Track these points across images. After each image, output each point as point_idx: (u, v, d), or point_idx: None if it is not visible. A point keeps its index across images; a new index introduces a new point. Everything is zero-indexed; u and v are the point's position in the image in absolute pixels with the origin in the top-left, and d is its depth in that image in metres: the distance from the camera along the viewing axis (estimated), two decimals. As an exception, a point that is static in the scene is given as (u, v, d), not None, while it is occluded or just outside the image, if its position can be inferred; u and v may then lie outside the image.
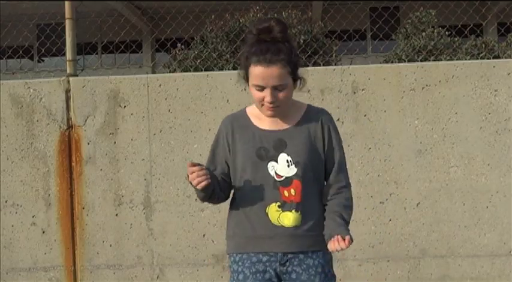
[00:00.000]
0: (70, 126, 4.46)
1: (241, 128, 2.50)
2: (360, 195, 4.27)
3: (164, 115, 4.41)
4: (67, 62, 4.65)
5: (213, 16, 8.49)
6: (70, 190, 4.44)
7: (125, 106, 4.44)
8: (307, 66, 5.83)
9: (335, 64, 7.80)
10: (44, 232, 4.45)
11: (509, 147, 4.29)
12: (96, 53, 17.23)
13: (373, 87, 4.34)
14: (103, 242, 4.43)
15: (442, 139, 4.31)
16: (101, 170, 4.43)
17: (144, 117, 4.42)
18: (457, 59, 7.51)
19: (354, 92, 4.34)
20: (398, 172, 4.32)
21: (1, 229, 4.46)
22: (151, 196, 4.41)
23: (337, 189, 2.51)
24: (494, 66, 4.33)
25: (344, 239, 2.31)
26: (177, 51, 8.06)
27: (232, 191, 2.56)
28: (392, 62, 7.92)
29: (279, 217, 2.42)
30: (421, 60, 7.35)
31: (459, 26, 7.08)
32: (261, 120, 2.50)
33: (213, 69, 7.03)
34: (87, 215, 4.43)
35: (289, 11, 8.50)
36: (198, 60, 7.30)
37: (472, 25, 6.29)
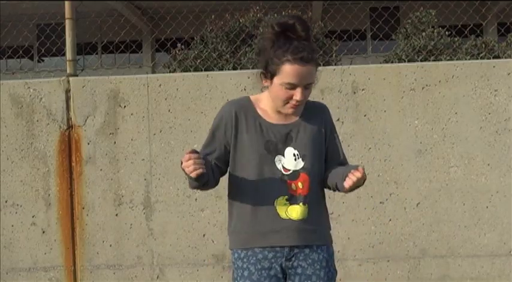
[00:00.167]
0: (70, 126, 4.46)
1: (248, 118, 2.48)
2: (360, 195, 4.27)
3: (164, 115, 4.41)
4: (67, 62, 4.65)
5: (213, 16, 8.49)
6: (70, 190, 4.44)
7: (125, 106, 4.44)
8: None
9: (335, 64, 7.80)
10: (44, 232, 4.45)
11: (509, 147, 4.29)
12: (96, 53, 17.23)
13: (373, 87, 4.34)
14: (103, 242, 4.43)
15: (442, 139, 4.31)
16: (101, 170, 4.43)
17: (144, 117, 4.42)
18: (457, 59, 7.51)
19: (354, 92, 4.34)
20: (398, 172, 4.32)
21: (1, 229, 4.46)
22: (151, 196, 4.41)
23: (343, 164, 2.55)
24: (494, 66, 4.33)
25: (357, 170, 2.33)
26: (177, 51, 8.06)
27: (233, 184, 2.51)
28: (392, 62, 7.92)
29: (286, 210, 2.42)
30: (421, 60, 7.35)
31: (459, 26, 7.08)
32: (268, 113, 2.49)
33: (213, 69, 7.03)
34: (87, 215, 4.43)
35: (289, 11, 8.50)
36: (198, 60, 7.30)
37: (472, 25, 6.29)
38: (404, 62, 7.61)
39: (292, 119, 2.49)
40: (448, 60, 7.46)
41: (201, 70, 6.69)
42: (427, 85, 4.33)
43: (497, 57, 7.63)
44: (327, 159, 2.53)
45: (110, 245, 4.42)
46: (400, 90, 4.34)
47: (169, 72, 8.01)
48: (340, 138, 2.63)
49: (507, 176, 4.28)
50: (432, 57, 7.35)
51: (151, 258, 4.40)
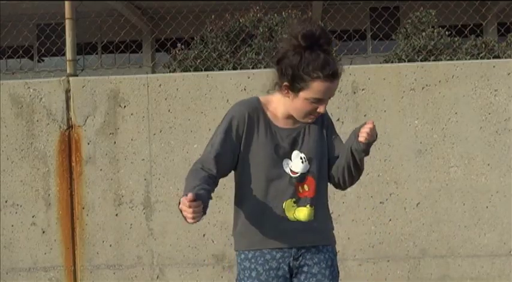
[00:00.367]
0: (70, 126, 4.46)
1: (259, 121, 2.49)
2: (360, 195, 4.27)
3: (164, 115, 4.42)
4: (67, 62, 4.65)
5: (213, 16, 8.49)
6: (70, 190, 4.44)
7: (125, 106, 4.44)
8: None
9: (335, 64, 7.78)
10: (44, 232, 4.45)
11: (509, 147, 4.29)
12: (96, 53, 17.23)
13: (373, 87, 4.35)
14: (103, 242, 4.43)
15: (442, 139, 4.31)
16: (101, 170, 4.43)
17: (144, 117, 4.42)
18: (457, 59, 7.51)
19: (354, 92, 4.34)
20: (398, 172, 4.32)
21: (1, 229, 4.46)
22: (151, 196, 4.41)
23: None
24: (494, 66, 4.33)
25: (365, 124, 2.38)
26: (177, 51, 8.06)
27: (241, 186, 2.52)
28: (392, 62, 7.92)
29: (294, 212, 2.46)
30: (421, 60, 7.35)
31: (459, 26, 7.08)
32: (277, 117, 2.51)
33: (213, 69, 7.03)
34: (87, 215, 4.43)
35: (289, 11, 8.50)
36: (198, 60, 7.30)
37: (472, 25, 6.29)
38: (404, 62, 7.61)
39: (298, 123, 2.51)
40: (448, 60, 7.46)
41: (201, 70, 6.69)
42: (427, 85, 4.33)
43: (497, 57, 7.63)
44: (331, 156, 2.55)
45: (110, 245, 4.42)
46: (400, 90, 4.34)
47: (169, 72, 8.01)
48: (339, 137, 2.65)
49: (507, 176, 4.28)
50: (432, 57, 7.35)
51: (151, 258, 4.40)
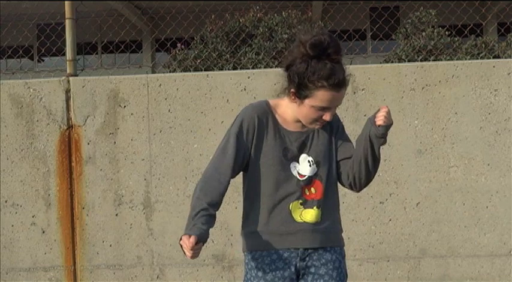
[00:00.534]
0: (70, 126, 4.46)
1: (269, 124, 2.52)
2: (360, 195, 4.27)
3: (164, 115, 4.41)
4: (67, 62, 4.65)
5: (213, 16, 8.48)
6: (70, 190, 4.44)
7: (125, 106, 4.44)
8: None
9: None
10: (44, 232, 4.45)
11: (509, 147, 4.29)
12: (96, 53, 17.22)
13: (373, 87, 4.34)
14: (103, 242, 4.43)
15: (442, 139, 4.31)
16: (101, 170, 4.43)
17: (144, 117, 4.42)
18: (457, 59, 7.50)
19: (354, 92, 4.34)
20: (398, 172, 4.32)
21: (1, 229, 4.46)
22: (151, 196, 4.41)
23: None
24: (494, 66, 4.33)
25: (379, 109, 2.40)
26: (177, 51, 8.06)
27: (250, 187, 2.54)
28: (392, 62, 7.91)
29: (301, 214, 2.48)
30: (421, 60, 7.35)
31: (459, 26, 7.07)
32: (286, 120, 2.53)
33: (213, 69, 7.03)
34: (87, 215, 4.43)
35: (289, 11, 8.50)
36: (198, 60, 7.30)
37: (472, 25, 6.28)
38: (404, 62, 7.61)
39: (306, 126, 2.53)
40: (448, 60, 7.45)
41: (201, 70, 6.69)
42: (427, 85, 4.33)
43: (497, 57, 7.63)
44: (340, 159, 2.55)
45: (110, 245, 4.42)
46: (400, 90, 4.34)
47: (169, 72, 8.00)
48: (350, 140, 2.64)
49: (507, 176, 4.28)
50: (432, 57, 7.35)
51: (151, 258, 4.40)
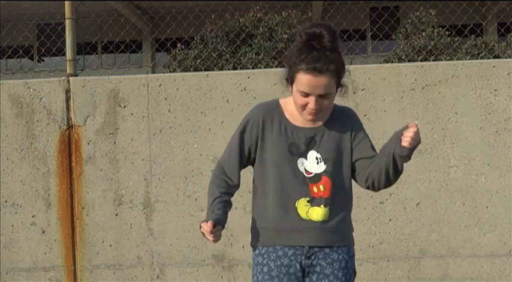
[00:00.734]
0: (70, 126, 4.46)
1: (274, 121, 2.53)
2: (360, 195, 4.27)
3: (164, 115, 4.41)
4: (67, 62, 4.65)
5: (213, 16, 8.48)
6: (70, 190, 4.44)
7: (125, 106, 4.44)
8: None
9: (335, 64, 7.76)
10: (44, 232, 4.45)
11: (509, 147, 4.29)
12: (96, 53, 17.22)
13: (373, 87, 4.34)
14: (103, 242, 4.43)
15: (442, 139, 4.31)
16: (101, 170, 4.43)
17: (144, 117, 4.42)
18: (457, 59, 7.50)
19: (354, 92, 4.34)
20: (398, 172, 4.31)
21: (1, 229, 4.46)
22: (151, 196, 4.41)
23: None
24: (494, 66, 4.33)
25: (408, 127, 2.34)
26: (177, 51, 8.06)
27: (257, 184, 2.57)
28: (392, 62, 7.91)
29: (307, 211, 2.47)
30: (421, 60, 7.35)
31: (459, 26, 7.07)
32: (294, 116, 2.53)
33: (213, 69, 7.03)
34: (87, 215, 4.43)
35: (289, 11, 8.50)
36: (198, 60, 7.30)
37: (472, 25, 6.28)
38: (404, 62, 7.61)
39: (318, 122, 2.52)
40: (448, 60, 7.45)
41: (201, 70, 6.69)
42: (427, 85, 4.33)
43: (497, 57, 7.62)
44: (357, 159, 2.54)
45: (110, 245, 4.42)
46: (400, 90, 4.34)
47: (169, 72, 8.00)
48: (368, 139, 2.61)
49: (507, 176, 4.28)
50: (432, 57, 7.35)
51: (151, 258, 4.40)
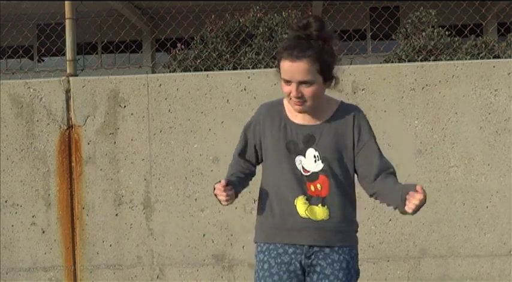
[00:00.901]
0: (70, 126, 4.46)
1: (274, 119, 2.55)
2: (360, 195, 4.24)
3: (164, 115, 4.41)
4: (67, 62, 4.65)
5: (213, 16, 8.48)
6: (70, 190, 4.44)
7: (125, 106, 4.44)
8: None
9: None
10: (44, 232, 4.45)
11: (509, 147, 4.29)
12: (96, 53, 17.22)
13: (373, 87, 4.34)
14: (103, 242, 4.43)
15: (442, 139, 4.31)
16: (101, 170, 4.43)
17: (144, 117, 4.42)
18: (457, 59, 7.50)
19: (354, 92, 4.34)
20: (399, 172, 4.29)
21: (1, 229, 4.46)
22: (151, 196, 4.41)
23: (387, 173, 2.54)
24: (494, 66, 4.33)
25: (416, 191, 2.33)
26: (177, 51, 8.06)
27: (262, 181, 2.60)
28: (392, 62, 7.91)
29: (306, 210, 2.47)
30: (421, 60, 7.35)
31: (459, 26, 7.07)
32: (296, 114, 2.53)
33: (213, 69, 7.03)
34: (87, 215, 4.43)
35: (289, 11, 8.50)
36: (198, 60, 7.30)
37: (472, 25, 6.28)
38: (404, 62, 7.61)
39: (319, 120, 2.51)
40: (448, 60, 7.45)
41: (201, 70, 6.69)
42: (427, 85, 4.33)
43: (497, 57, 7.62)
44: (362, 165, 2.52)
45: (110, 245, 4.43)
46: (400, 90, 4.34)
47: (169, 72, 8.00)
48: (373, 141, 2.58)
49: (507, 176, 4.28)
50: (432, 57, 7.35)
51: (151, 258, 4.40)
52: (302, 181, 2.46)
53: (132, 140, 4.42)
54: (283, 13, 8.43)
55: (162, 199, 4.40)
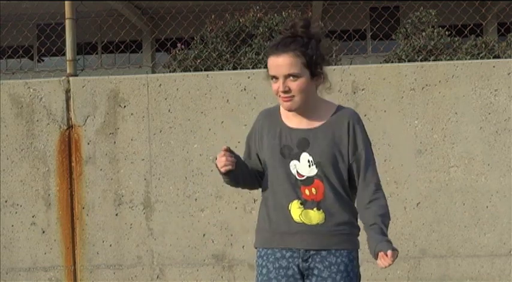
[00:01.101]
0: (70, 126, 4.46)
1: (271, 123, 2.56)
2: (360, 195, 4.27)
3: (164, 115, 4.41)
4: (67, 62, 4.65)
5: (213, 16, 8.48)
6: (70, 190, 4.44)
7: (125, 106, 4.44)
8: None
9: (335, 64, 7.79)
10: (44, 232, 4.45)
11: (509, 147, 4.29)
12: (96, 53, 17.21)
13: (373, 87, 4.34)
14: (103, 242, 4.43)
15: (442, 139, 4.31)
16: (101, 170, 4.43)
17: (144, 117, 4.42)
18: (457, 59, 7.50)
19: (354, 92, 4.34)
20: (398, 172, 4.32)
21: (1, 229, 4.46)
22: (151, 196, 4.41)
23: (370, 195, 2.50)
24: (494, 66, 4.33)
25: (387, 255, 2.34)
26: (177, 51, 8.05)
27: (262, 187, 2.61)
28: (392, 62, 7.91)
29: (301, 214, 2.47)
30: (421, 60, 7.35)
31: (459, 26, 7.07)
32: (289, 118, 2.54)
33: (213, 69, 7.03)
34: (87, 215, 4.43)
35: (289, 11, 8.49)
36: (198, 60, 7.30)
37: (472, 25, 6.28)
38: (404, 62, 7.60)
39: (314, 124, 2.51)
40: (448, 60, 7.45)
41: (201, 70, 6.69)
42: (427, 85, 4.33)
43: (497, 57, 7.62)
44: (353, 176, 2.52)
45: (110, 245, 4.42)
46: (400, 90, 4.34)
47: (169, 72, 8.00)
48: (364, 151, 2.56)
49: (507, 176, 4.28)
50: (432, 57, 7.34)
51: (151, 258, 4.40)
52: (296, 185, 2.46)
53: (132, 140, 4.42)
54: (283, 13, 8.42)
55: (162, 199, 4.40)
